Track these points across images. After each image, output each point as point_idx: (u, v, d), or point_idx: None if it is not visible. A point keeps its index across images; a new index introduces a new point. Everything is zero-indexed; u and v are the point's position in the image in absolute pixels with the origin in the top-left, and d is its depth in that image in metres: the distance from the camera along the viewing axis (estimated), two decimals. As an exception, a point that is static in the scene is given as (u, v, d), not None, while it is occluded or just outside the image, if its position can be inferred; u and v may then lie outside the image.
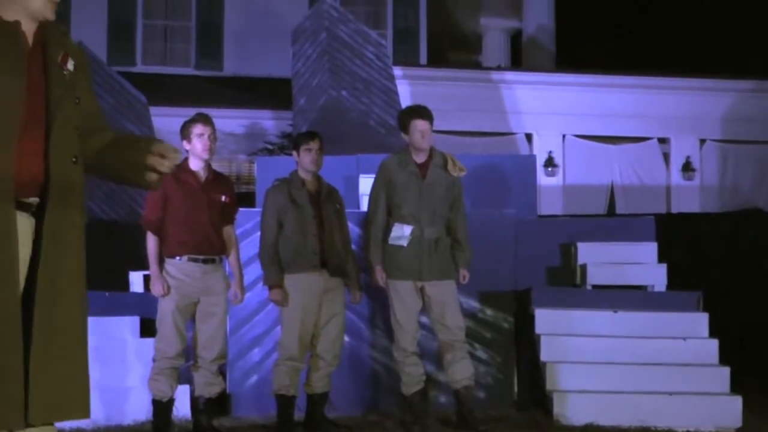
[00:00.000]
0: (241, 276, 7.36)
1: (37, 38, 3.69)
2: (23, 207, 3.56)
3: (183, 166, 7.16)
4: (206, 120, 7.20)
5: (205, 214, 7.08)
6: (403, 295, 7.51)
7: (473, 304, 8.46)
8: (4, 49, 3.57)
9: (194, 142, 7.15)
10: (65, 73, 3.69)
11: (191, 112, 7.57)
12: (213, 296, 7.08)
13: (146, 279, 7.89)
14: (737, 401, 7.62)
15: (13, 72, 3.56)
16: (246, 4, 20.46)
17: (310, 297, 7.33)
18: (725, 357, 8.07)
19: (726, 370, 7.85)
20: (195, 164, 7.18)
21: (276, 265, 7.35)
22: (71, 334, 3.61)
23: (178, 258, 7.05)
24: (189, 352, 7.24)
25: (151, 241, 7.07)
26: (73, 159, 3.66)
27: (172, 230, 7.05)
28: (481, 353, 8.43)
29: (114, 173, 3.86)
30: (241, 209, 7.68)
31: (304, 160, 7.47)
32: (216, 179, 7.27)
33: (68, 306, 3.61)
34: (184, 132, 7.19)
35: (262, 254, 7.42)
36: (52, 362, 3.52)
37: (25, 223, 3.56)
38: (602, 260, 8.83)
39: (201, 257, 7.06)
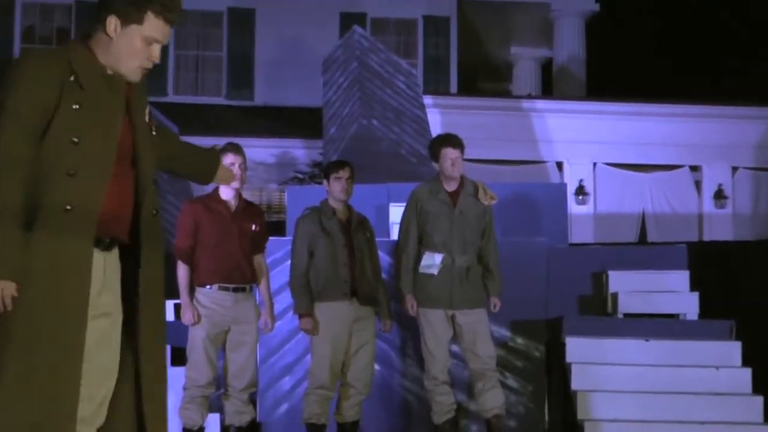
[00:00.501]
0: (272, 305, 7.37)
1: (127, 87, 3.87)
2: (99, 244, 3.75)
3: (213, 196, 7.21)
4: (237, 149, 7.23)
5: (235, 243, 7.11)
6: (434, 324, 7.50)
7: (504, 332, 8.44)
8: (107, 99, 3.74)
9: None
10: (153, 129, 3.91)
11: (222, 141, 7.61)
12: (243, 325, 7.09)
13: (176, 308, 7.91)
14: (771, 431, 7.56)
15: (113, 122, 3.73)
16: (277, 34, 20.59)
17: (341, 326, 7.33)
18: (759, 386, 8.01)
19: (759, 400, 7.78)
20: (226, 193, 7.21)
21: (306, 293, 7.36)
22: (163, 371, 3.88)
23: (208, 287, 7.07)
24: (220, 381, 7.25)
25: (182, 270, 7.10)
26: (154, 212, 3.89)
27: (203, 259, 7.07)
28: (512, 382, 8.40)
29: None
30: (271, 238, 7.71)
31: (335, 188, 7.49)
32: (247, 208, 7.30)
33: (161, 345, 3.89)
34: None
35: (292, 283, 7.43)
36: (154, 399, 3.79)
37: (99, 260, 3.74)
38: (634, 288, 8.79)
39: (232, 286, 7.08)
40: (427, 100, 15.73)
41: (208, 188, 6.95)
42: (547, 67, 23.64)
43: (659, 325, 8.49)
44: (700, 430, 7.58)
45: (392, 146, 12.59)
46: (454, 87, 20.82)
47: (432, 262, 7.50)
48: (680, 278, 8.99)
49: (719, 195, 17.96)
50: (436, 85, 20.20)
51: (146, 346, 3.81)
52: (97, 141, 3.68)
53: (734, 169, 18.21)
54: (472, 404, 8.01)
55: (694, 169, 18.21)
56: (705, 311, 8.92)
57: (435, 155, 7.66)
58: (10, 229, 3.55)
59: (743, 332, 8.51)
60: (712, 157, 18.08)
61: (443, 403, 7.52)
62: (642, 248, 11.37)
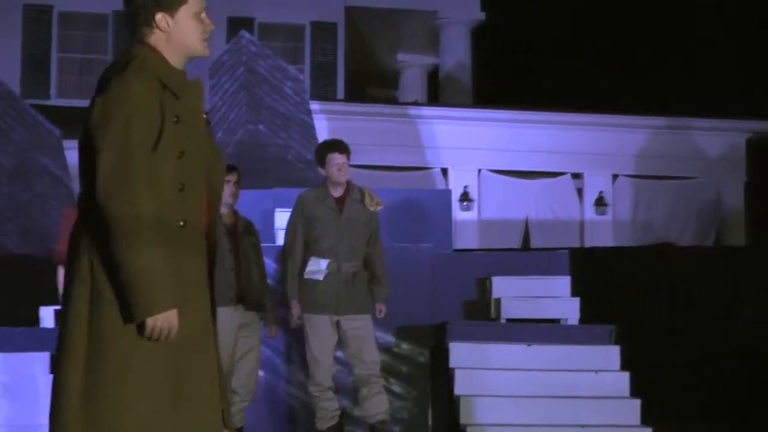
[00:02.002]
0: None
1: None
2: None
3: None
4: None
5: None
6: (319, 330, 7.50)
7: (389, 338, 8.48)
8: (193, 105, 3.76)
9: None
10: (210, 125, 3.93)
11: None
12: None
13: (56, 314, 7.78)
14: (648, 433, 7.73)
15: (201, 129, 3.78)
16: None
17: (226, 331, 7.28)
18: (637, 390, 8.18)
19: (637, 403, 7.94)
20: None
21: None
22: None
23: None
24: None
25: (61, 275, 7.01)
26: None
27: None
28: (396, 387, 8.45)
29: None
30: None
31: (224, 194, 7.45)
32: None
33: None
34: None
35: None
36: (227, 400, 3.89)
37: None
38: (517, 294, 8.91)
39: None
40: (314, 105, 15.72)
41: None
42: (433, 75, 23.82)
43: (541, 330, 8.63)
44: (580, 434, 7.71)
45: (279, 152, 12.56)
46: (341, 93, 20.85)
47: (318, 267, 7.51)
48: (562, 284, 9.14)
49: (600, 202, 18.29)
50: (323, 91, 20.20)
51: (217, 351, 3.83)
52: (195, 151, 3.71)
53: (615, 176, 18.55)
54: (356, 410, 8.03)
55: (576, 176, 18.50)
56: (586, 316, 9.08)
57: (321, 161, 7.67)
58: (160, 253, 3.53)
59: (622, 337, 8.68)
60: (594, 164, 18.40)
61: (327, 408, 7.53)
62: (525, 254, 11.55)
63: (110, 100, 3.61)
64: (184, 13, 3.78)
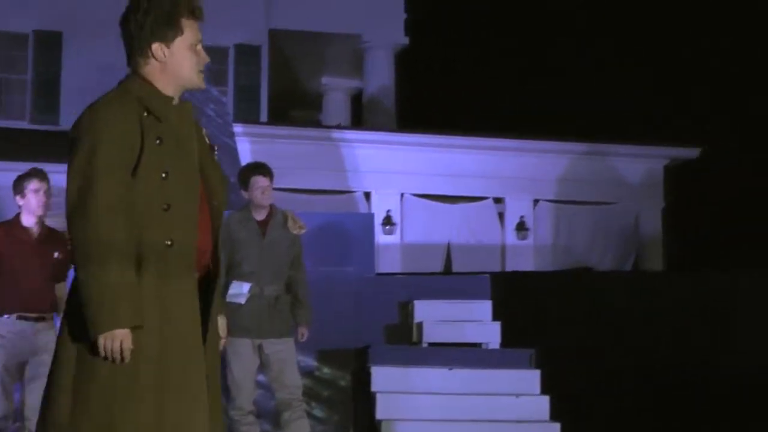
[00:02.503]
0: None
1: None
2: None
3: (15, 222, 7.02)
4: (42, 175, 7.07)
5: (37, 270, 6.94)
6: (240, 354, 7.46)
7: (311, 362, 8.47)
8: (181, 129, 3.79)
9: (29, 198, 7.01)
10: (216, 153, 3.97)
11: (26, 167, 7.42)
12: (44, 355, 6.91)
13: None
14: (567, 456, 7.80)
15: (191, 151, 3.79)
16: (85, 58, 20.19)
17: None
18: (557, 413, 8.25)
19: (556, 427, 8.02)
20: (28, 220, 7.04)
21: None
22: (218, 405, 3.90)
23: (6, 316, 6.88)
24: (17, 414, 7.04)
25: None
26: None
27: (2, 287, 6.88)
28: (318, 411, 8.43)
29: None
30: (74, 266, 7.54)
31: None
32: (49, 235, 7.14)
33: (217, 375, 3.92)
34: (18, 187, 7.06)
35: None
36: (217, 419, 3.86)
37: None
38: (439, 318, 8.95)
39: (32, 315, 6.91)
40: (238, 128, 15.67)
41: (9, 214, 6.77)
42: (357, 98, 23.89)
43: (462, 353, 8.67)
44: (501, 457, 7.75)
45: (201, 174, 12.51)
46: (264, 116, 20.81)
47: (240, 291, 7.47)
48: (483, 308, 9.20)
49: (521, 227, 18.44)
50: (246, 113, 20.13)
51: (213, 370, 3.85)
52: (182, 173, 3.72)
53: (536, 201, 18.73)
54: (278, 434, 8.00)
55: (498, 200, 18.65)
56: (507, 340, 9.14)
57: (245, 184, 7.65)
58: (117, 272, 3.56)
59: (542, 361, 8.76)
60: (515, 189, 18.55)
61: (249, 433, 7.49)
62: (447, 278, 11.61)
63: (78, 129, 3.72)
64: (180, 44, 3.82)
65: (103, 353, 3.54)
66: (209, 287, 3.87)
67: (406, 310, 9.19)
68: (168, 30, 3.80)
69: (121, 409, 3.57)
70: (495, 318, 9.19)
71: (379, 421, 7.93)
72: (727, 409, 11.05)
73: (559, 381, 8.86)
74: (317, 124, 23.08)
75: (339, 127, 20.35)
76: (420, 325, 8.91)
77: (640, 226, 19.04)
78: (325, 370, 8.54)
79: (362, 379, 8.47)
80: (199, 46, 3.88)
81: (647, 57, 22.42)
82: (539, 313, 12.02)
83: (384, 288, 9.26)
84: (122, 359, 3.55)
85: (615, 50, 22.93)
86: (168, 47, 3.80)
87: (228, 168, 12.61)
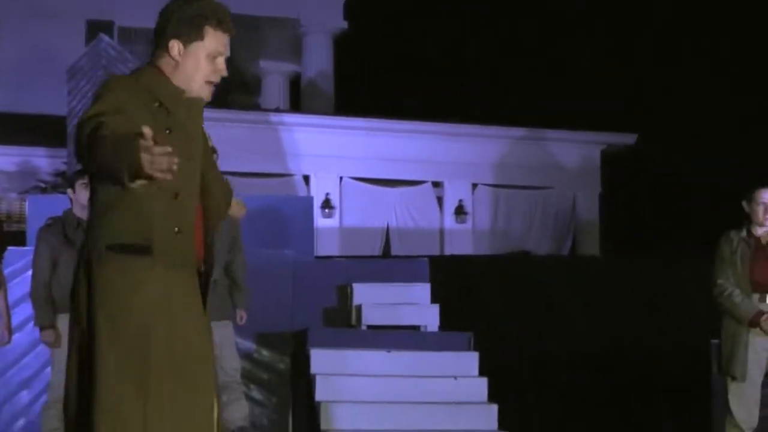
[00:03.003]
0: (9, 316, 7.14)
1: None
2: None
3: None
4: None
5: None
6: (178, 336, 7.43)
7: (249, 344, 8.46)
8: (188, 123, 3.80)
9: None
10: (216, 155, 4.02)
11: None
12: None
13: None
14: (504, 438, 7.86)
15: (196, 146, 3.82)
16: (20, 39, 19.93)
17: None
18: (495, 395, 8.31)
19: (494, 408, 8.07)
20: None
21: (49, 305, 7.17)
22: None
23: None
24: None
25: None
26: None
27: None
28: (256, 394, 8.42)
29: None
30: (10, 248, 7.48)
31: (81, 195, 7.32)
32: None
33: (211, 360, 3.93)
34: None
35: (33, 294, 7.22)
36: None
37: None
38: (377, 301, 8.97)
39: None
40: (176, 111, 15.58)
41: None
42: (295, 82, 23.81)
43: (401, 336, 8.70)
44: (438, 439, 7.79)
45: (139, 157, 12.40)
46: (203, 99, 20.68)
47: (178, 274, 7.44)
48: (422, 291, 9.24)
49: (459, 210, 18.51)
50: (184, 96, 20.01)
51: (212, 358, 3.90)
52: (187, 165, 3.68)
53: (474, 185, 18.80)
54: (216, 417, 7.97)
55: (436, 185, 18.71)
56: (445, 323, 9.19)
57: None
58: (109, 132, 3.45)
59: (480, 343, 8.82)
60: (454, 173, 18.62)
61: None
62: (385, 261, 11.63)
63: (96, 102, 3.67)
64: (197, 48, 3.80)
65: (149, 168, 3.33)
66: (202, 282, 3.88)
67: (344, 293, 9.21)
68: (189, 31, 3.79)
69: (133, 387, 3.59)
70: (433, 301, 9.23)
71: (318, 403, 7.94)
72: (662, 392, 11.20)
73: (497, 363, 8.92)
74: (256, 107, 22.97)
75: (277, 110, 20.28)
76: (359, 308, 8.93)
77: (577, 210, 19.20)
78: (264, 352, 8.54)
79: (301, 362, 8.47)
80: (220, 59, 3.86)
81: (585, 42, 22.57)
82: (477, 297, 12.09)
83: (323, 271, 9.27)
84: (169, 164, 3.34)
85: (554, 35, 23.06)
86: (185, 47, 3.79)
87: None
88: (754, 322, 6.84)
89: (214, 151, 4.01)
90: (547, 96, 21.59)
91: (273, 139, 18.02)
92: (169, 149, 3.31)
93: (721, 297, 6.94)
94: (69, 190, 7.45)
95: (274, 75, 24.06)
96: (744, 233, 7.02)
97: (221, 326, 7.48)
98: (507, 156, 18.86)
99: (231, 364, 7.47)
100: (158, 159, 3.29)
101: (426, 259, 10.04)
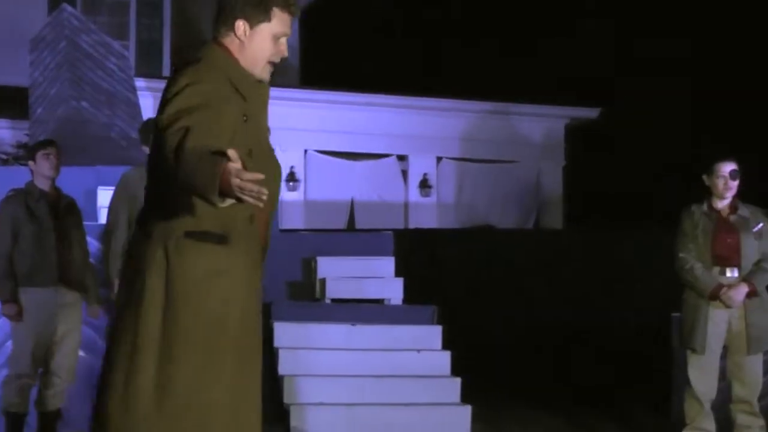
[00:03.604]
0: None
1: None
2: None
3: None
4: None
5: None
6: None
7: (213, 318, 8.45)
8: (259, 108, 3.86)
9: None
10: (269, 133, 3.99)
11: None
12: None
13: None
14: (467, 411, 7.90)
15: (266, 130, 3.93)
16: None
17: (46, 312, 7.15)
18: (458, 368, 8.36)
19: (457, 381, 8.12)
20: None
21: (10, 278, 7.14)
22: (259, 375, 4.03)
23: None
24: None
25: None
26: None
27: None
28: (220, 367, 8.42)
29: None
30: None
31: (43, 166, 7.27)
32: None
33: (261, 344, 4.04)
34: None
35: (-6, 266, 7.18)
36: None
37: None
38: (341, 274, 8.99)
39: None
40: (140, 82, 15.49)
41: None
42: (261, 54, 23.72)
43: (365, 310, 8.72)
44: (402, 412, 7.82)
45: (102, 129, 12.33)
46: (167, 70, 20.56)
47: (142, 247, 7.41)
48: (386, 264, 9.25)
49: (424, 184, 18.53)
50: (149, 68, 19.88)
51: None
52: (260, 152, 3.78)
53: (439, 159, 18.83)
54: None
55: (401, 158, 18.72)
56: (409, 296, 9.22)
57: (146, 139, 7.57)
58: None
59: (444, 317, 8.86)
60: (418, 147, 18.62)
61: (151, 389, 7.47)
62: (350, 235, 11.65)
63: (176, 94, 3.63)
64: (263, 29, 3.80)
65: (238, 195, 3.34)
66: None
67: (309, 266, 9.21)
68: (256, 11, 3.78)
69: (210, 370, 3.68)
70: (398, 274, 9.25)
71: (282, 377, 7.96)
72: (623, 364, 11.30)
73: (461, 336, 8.97)
74: (220, 80, 22.87)
75: (242, 83, 20.18)
76: (323, 281, 8.93)
77: (541, 184, 19.27)
78: (228, 326, 8.54)
79: (265, 335, 8.46)
80: (283, 40, 3.86)
81: (549, 17, 22.60)
82: (442, 270, 12.15)
83: (287, 244, 9.25)
84: (258, 189, 3.32)
85: (520, 9, 23.07)
86: (251, 28, 3.79)
87: (129, 123, 12.47)
88: (715, 295, 6.91)
89: (269, 131, 4.06)
90: (512, 70, 21.62)
91: (237, 112, 17.95)
92: (261, 176, 3.29)
93: (683, 270, 7.00)
94: (30, 162, 7.40)
95: (239, 46, 24.00)
96: (705, 207, 7.08)
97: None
98: (472, 130, 18.89)
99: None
100: (248, 186, 3.27)
101: (390, 232, 10.06)
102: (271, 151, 3.97)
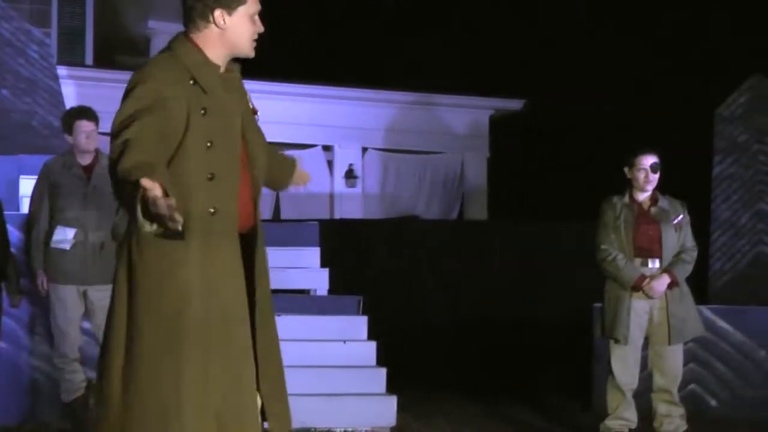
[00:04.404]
0: None
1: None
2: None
3: None
4: None
5: None
6: (64, 300, 7.36)
7: (137, 308, 8.39)
8: (225, 100, 3.85)
9: None
10: (257, 117, 4.07)
11: None
12: None
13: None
14: (392, 401, 7.94)
15: (234, 123, 3.90)
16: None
17: (-34, 302, 7.06)
18: (383, 359, 8.39)
19: (383, 371, 8.15)
20: None
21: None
22: (277, 352, 4.03)
23: None
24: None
25: None
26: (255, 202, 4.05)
27: None
28: (144, 358, 8.37)
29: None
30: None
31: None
32: None
33: (271, 326, 4.04)
34: None
35: None
36: (273, 380, 3.97)
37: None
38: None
39: None
40: (62, 71, 15.29)
41: None
42: (185, 43, 23.55)
43: (291, 300, 8.72)
44: (328, 402, 7.84)
45: (23, 117, 12.17)
46: (90, 59, 20.34)
47: (64, 237, 7.35)
48: (311, 255, 9.26)
49: (350, 174, 18.53)
50: (71, 56, 19.64)
51: (261, 328, 3.96)
52: (226, 143, 3.84)
53: (364, 149, 18.85)
54: (103, 381, 7.91)
55: (327, 148, 18.71)
56: (334, 287, 9.24)
57: (69, 128, 7.50)
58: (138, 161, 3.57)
59: (370, 307, 8.89)
60: (344, 137, 18.62)
61: (73, 381, 7.40)
62: (275, 225, 11.61)
63: (127, 86, 3.85)
64: (241, 12, 3.92)
65: (151, 210, 3.44)
66: (252, 244, 4.01)
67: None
68: None
69: (167, 366, 3.71)
70: (323, 265, 9.26)
71: (207, 368, 7.92)
72: (545, 354, 11.42)
73: (386, 327, 9.01)
74: (144, 68, 22.65)
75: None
76: (249, 272, 8.90)
77: (465, 175, 19.38)
78: (152, 316, 8.48)
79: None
80: (257, 17, 4.00)
81: (475, 7, 22.72)
82: (367, 261, 12.17)
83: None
84: (170, 215, 3.40)
85: (444, 1, 23.16)
86: (230, 15, 3.90)
87: (51, 111, 12.32)
88: (638, 286, 7.01)
89: (254, 112, 4.10)
90: (436, 61, 21.70)
91: (161, 101, 17.81)
92: (172, 202, 3.38)
93: (605, 262, 7.09)
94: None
95: (163, 35, 23.70)
96: (626, 199, 7.18)
97: (108, 290, 7.39)
98: (397, 120, 18.93)
99: (118, 329, 7.41)
100: (161, 210, 3.38)
101: (316, 223, 10.07)
102: (256, 135, 4.05)
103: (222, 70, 3.95)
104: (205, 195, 3.79)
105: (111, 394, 3.78)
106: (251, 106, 4.09)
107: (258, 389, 3.93)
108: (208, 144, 3.80)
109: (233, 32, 3.92)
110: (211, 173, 3.80)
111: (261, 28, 4.02)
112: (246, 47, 3.98)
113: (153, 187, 3.38)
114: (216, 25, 3.90)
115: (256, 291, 4.00)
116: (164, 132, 3.73)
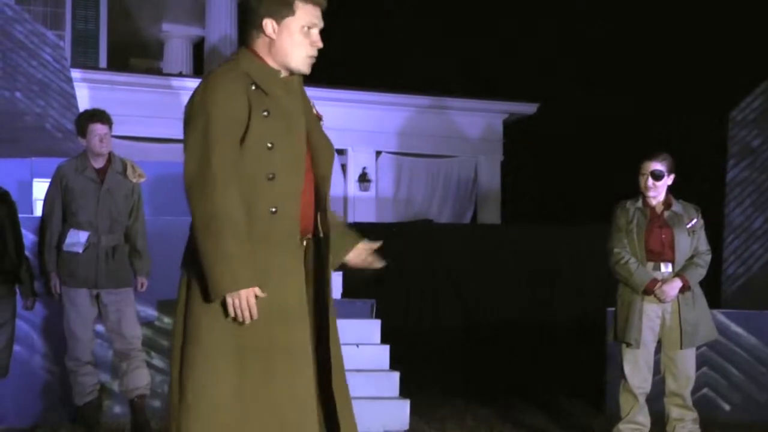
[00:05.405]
0: None
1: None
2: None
3: None
4: None
5: None
6: (77, 303, 7.36)
7: (151, 312, 8.40)
8: (288, 102, 3.94)
9: None
10: (321, 122, 4.12)
11: None
12: None
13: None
14: (405, 404, 7.94)
15: (298, 124, 3.95)
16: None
17: (-21, 305, 7.07)
18: (396, 362, 8.39)
19: (396, 375, 8.15)
20: None
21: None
22: (341, 361, 4.04)
23: None
24: None
25: None
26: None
27: None
28: (158, 362, 8.38)
29: None
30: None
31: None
32: None
33: (336, 335, 4.02)
34: None
35: None
36: (343, 390, 4.05)
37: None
38: (280, 269, 8.96)
39: None
40: (75, 74, 15.33)
41: None
42: (198, 46, 23.58)
43: (303, 304, 8.70)
44: (340, 405, 7.82)
45: (37, 120, 12.21)
46: (103, 62, 20.39)
47: (77, 240, 7.36)
48: (325, 258, 9.23)
49: (363, 178, 18.55)
50: (84, 59, 19.70)
51: (333, 335, 3.97)
52: (288, 144, 3.88)
53: (378, 153, 18.86)
54: (116, 384, 7.93)
55: (341, 152, 18.72)
56: (348, 291, 9.23)
57: (82, 131, 7.51)
58: (234, 244, 3.71)
59: (383, 311, 8.88)
60: (358, 141, 18.64)
61: (86, 383, 7.41)
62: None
63: (192, 107, 3.87)
64: (290, 23, 3.97)
65: (232, 312, 3.71)
66: (322, 247, 4.01)
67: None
68: (279, 8, 3.94)
69: (223, 369, 3.75)
70: (336, 269, 9.24)
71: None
72: (559, 358, 11.39)
73: (399, 331, 9.00)
74: (157, 71, 22.72)
75: (180, 75, 20.08)
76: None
77: (478, 179, 19.37)
78: (165, 320, 8.48)
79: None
80: (314, 30, 4.04)
81: (490, 13, 22.73)
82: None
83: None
84: (251, 317, 3.70)
85: (460, 5, 23.16)
86: (278, 24, 3.94)
87: (65, 114, 12.35)
88: (650, 290, 6.99)
89: (319, 118, 4.16)
90: (451, 65, 21.69)
91: (175, 104, 17.83)
92: (255, 313, 3.68)
93: (618, 265, 7.07)
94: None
95: (176, 39, 23.79)
96: (639, 203, 7.16)
97: (120, 293, 7.43)
98: (410, 124, 18.94)
99: (131, 332, 7.42)
100: (245, 312, 3.69)
101: (329, 226, 10.04)
102: (321, 137, 4.11)
103: (283, 74, 3.99)
104: (266, 195, 3.82)
105: (172, 389, 3.87)
106: (315, 112, 4.14)
107: (333, 396, 4.00)
108: (269, 145, 3.84)
109: (282, 43, 3.96)
110: (272, 173, 3.83)
111: (318, 44, 4.05)
112: (296, 60, 3.99)
113: (252, 310, 3.69)
114: (266, 34, 3.96)
115: (326, 296, 4.01)
116: (236, 142, 3.80)
